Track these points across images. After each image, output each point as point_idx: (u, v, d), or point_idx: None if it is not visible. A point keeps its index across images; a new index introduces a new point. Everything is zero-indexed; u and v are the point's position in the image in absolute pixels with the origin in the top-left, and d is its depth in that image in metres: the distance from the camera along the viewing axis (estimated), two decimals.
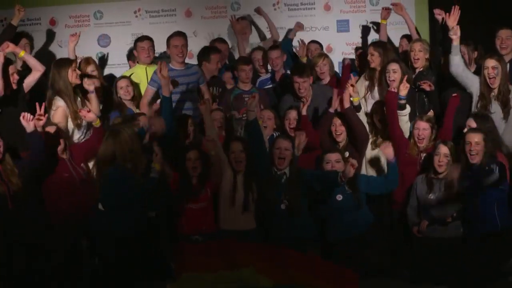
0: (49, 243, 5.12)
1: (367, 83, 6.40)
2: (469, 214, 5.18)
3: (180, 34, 6.41)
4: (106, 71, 7.61)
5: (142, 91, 6.46)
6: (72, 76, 5.70)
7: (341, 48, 7.57)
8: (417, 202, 5.40)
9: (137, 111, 6.16)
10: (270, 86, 6.89)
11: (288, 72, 6.68)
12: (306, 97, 6.16)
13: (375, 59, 6.29)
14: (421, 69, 6.19)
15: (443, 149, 5.29)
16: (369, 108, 6.24)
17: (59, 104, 5.67)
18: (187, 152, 5.46)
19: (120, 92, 6.27)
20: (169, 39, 6.36)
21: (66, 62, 5.80)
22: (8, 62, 5.79)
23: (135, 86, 6.49)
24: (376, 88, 6.32)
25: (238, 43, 7.37)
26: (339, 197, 5.32)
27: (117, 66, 7.70)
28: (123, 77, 6.46)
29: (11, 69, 5.76)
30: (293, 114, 6.02)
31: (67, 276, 5.14)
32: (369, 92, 6.35)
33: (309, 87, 6.21)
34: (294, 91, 6.23)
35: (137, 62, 6.89)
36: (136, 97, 6.40)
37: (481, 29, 6.75)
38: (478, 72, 5.88)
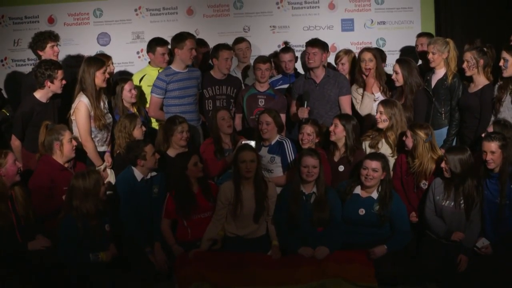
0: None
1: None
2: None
3: (194, 38, 6.29)
4: None
5: None
6: (100, 78, 5.70)
7: (345, 47, 7.44)
8: (434, 206, 5.25)
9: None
10: (281, 86, 6.70)
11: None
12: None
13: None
14: (440, 74, 6.02)
15: None
16: None
17: (83, 101, 5.64)
18: (190, 158, 5.40)
19: (127, 95, 6.12)
20: (183, 40, 6.12)
21: (98, 63, 5.76)
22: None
23: (137, 89, 6.38)
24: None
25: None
26: (362, 211, 5.22)
27: (117, 65, 7.48)
28: (127, 79, 6.29)
29: (61, 74, 5.72)
30: (307, 129, 5.74)
31: None
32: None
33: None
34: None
35: (149, 63, 6.75)
36: (137, 101, 6.29)
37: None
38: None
